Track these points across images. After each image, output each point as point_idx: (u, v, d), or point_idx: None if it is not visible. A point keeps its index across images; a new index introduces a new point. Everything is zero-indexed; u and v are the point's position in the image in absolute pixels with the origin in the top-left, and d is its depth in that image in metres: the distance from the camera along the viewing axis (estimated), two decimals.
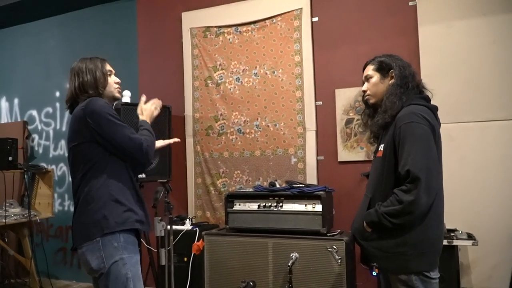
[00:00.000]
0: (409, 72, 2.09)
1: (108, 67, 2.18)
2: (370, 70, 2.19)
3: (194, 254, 3.44)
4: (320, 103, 3.77)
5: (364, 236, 2.03)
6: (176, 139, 2.57)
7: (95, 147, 1.97)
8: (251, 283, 3.01)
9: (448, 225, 3.10)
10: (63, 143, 4.97)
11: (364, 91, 2.21)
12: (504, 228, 3.11)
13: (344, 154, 3.67)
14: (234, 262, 3.21)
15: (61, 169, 4.96)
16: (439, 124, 2.07)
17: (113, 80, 2.18)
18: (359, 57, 3.65)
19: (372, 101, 2.18)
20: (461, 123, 3.28)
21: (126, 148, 1.98)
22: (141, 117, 2.23)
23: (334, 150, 3.70)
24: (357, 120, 3.62)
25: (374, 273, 2.01)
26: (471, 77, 3.28)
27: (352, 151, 3.64)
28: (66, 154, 2.14)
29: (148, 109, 2.27)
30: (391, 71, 2.11)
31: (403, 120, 1.94)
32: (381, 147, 2.08)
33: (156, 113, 2.31)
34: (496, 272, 3.12)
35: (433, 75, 3.34)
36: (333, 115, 3.71)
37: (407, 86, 2.05)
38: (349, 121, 3.65)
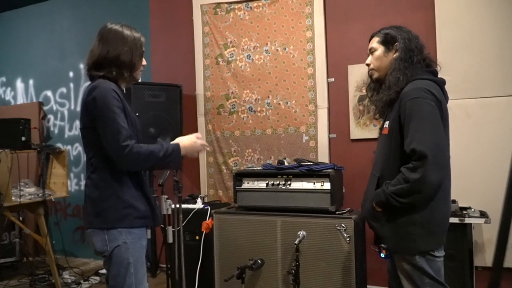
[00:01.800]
0: (415, 45, 1.99)
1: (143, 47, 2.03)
2: (374, 42, 2.10)
3: (205, 232, 3.44)
4: (332, 79, 3.68)
5: (374, 216, 1.98)
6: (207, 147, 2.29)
7: (98, 134, 1.86)
8: (259, 261, 2.99)
9: (462, 203, 3.00)
10: (77, 123, 5.03)
11: (368, 65, 2.13)
12: None
13: (356, 131, 3.58)
14: (242, 240, 3.20)
15: (76, 149, 5.03)
16: (447, 99, 1.99)
17: (142, 62, 2.02)
18: (373, 31, 3.52)
19: (375, 75, 2.10)
20: (480, 99, 3.14)
21: (108, 146, 1.83)
22: (179, 142, 1.97)
23: (347, 128, 3.62)
24: None
25: (382, 255, 1.95)
26: (491, 51, 3.12)
27: (365, 129, 3.55)
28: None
29: (194, 144, 1.99)
30: (396, 44, 2.02)
31: (408, 96, 1.86)
32: (387, 124, 2.01)
33: (196, 155, 2.06)
34: (509, 252, 3.01)
35: (451, 49, 3.21)
36: (346, 92, 3.61)
37: (412, 60, 1.96)
38: (362, 98, 3.55)
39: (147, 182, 2.06)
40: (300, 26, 3.74)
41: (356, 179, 3.49)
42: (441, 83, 1.97)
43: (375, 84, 2.14)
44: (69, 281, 4.00)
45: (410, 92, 1.87)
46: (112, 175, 1.88)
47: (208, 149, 2.07)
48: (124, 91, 2.05)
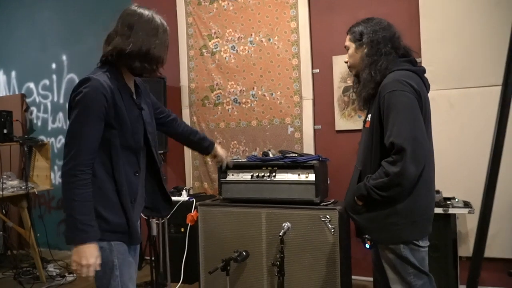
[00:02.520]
0: (382, 36, 1.95)
1: None
2: (347, 40, 2.12)
3: (190, 224, 3.43)
4: (317, 70, 3.66)
5: (356, 210, 1.99)
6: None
7: None
8: (244, 253, 2.99)
9: (446, 194, 3.02)
10: (61, 115, 4.96)
11: (346, 62, 2.15)
12: (504, 196, 3.02)
13: (341, 122, 3.58)
14: (227, 232, 3.19)
15: (60, 142, 4.97)
16: (428, 88, 1.98)
17: None
18: None
19: (353, 72, 2.12)
20: (462, 89, 3.16)
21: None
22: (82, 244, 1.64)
23: (332, 119, 3.62)
24: None
25: (367, 246, 1.97)
26: (474, 41, 3.13)
27: (350, 120, 3.55)
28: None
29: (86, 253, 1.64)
30: (363, 39, 2.01)
31: (386, 89, 1.86)
32: (369, 117, 2.00)
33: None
34: (495, 240, 3.06)
35: (434, 39, 3.22)
36: (331, 83, 3.61)
37: (380, 53, 1.94)
38: (346, 89, 3.55)
39: (137, 189, 1.80)
40: (285, 16, 3.71)
41: (341, 170, 3.50)
42: (420, 72, 1.96)
43: (356, 78, 2.13)
44: (54, 274, 3.97)
45: (388, 85, 1.86)
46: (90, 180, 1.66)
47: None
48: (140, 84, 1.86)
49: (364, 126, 2.10)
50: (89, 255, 1.62)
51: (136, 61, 1.68)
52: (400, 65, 1.93)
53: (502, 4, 3.05)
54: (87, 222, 1.61)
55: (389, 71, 1.91)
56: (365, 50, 1.98)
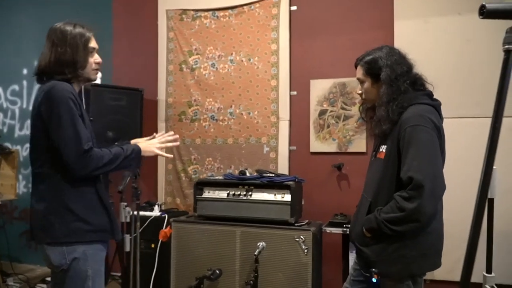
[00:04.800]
0: (401, 71, 1.91)
1: (93, 43, 1.93)
2: (360, 73, 2.04)
3: (161, 241, 3.39)
4: (295, 93, 3.75)
5: (364, 242, 1.94)
6: (169, 155, 2.26)
7: (50, 140, 1.77)
8: (217, 271, 2.99)
9: None
10: (29, 122, 4.79)
11: (360, 94, 2.09)
12: (467, 223, 3.15)
13: (316, 144, 3.66)
14: (201, 249, 3.17)
15: (26, 150, 4.78)
16: (442, 120, 1.96)
17: (93, 59, 1.93)
18: (336, 48, 3.64)
19: (369, 105, 2.09)
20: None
21: (66, 150, 1.74)
22: (135, 143, 1.99)
23: (307, 140, 3.69)
24: (331, 111, 3.62)
25: (374, 280, 1.88)
26: (445, 74, 3.29)
27: (325, 142, 3.64)
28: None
29: (150, 144, 2.01)
30: (381, 74, 1.93)
31: (408, 123, 1.81)
32: (383, 148, 1.96)
33: (154, 153, 2.01)
34: (458, 265, 3.17)
35: None
36: (307, 106, 3.69)
37: (399, 91, 1.89)
38: (322, 112, 3.64)
39: (105, 189, 1.96)
40: (266, 38, 3.79)
41: (314, 191, 3.57)
42: (438, 106, 1.94)
43: (370, 109, 2.10)
44: None
45: (410, 119, 1.82)
46: (63, 184, 1.78)
47: (165, 145, 2.06)
48: (82, 93, 2.00)
49: (375, 156, 2.06)
50: (149, 149, 1.98)
51: (58, 69, 1.84)
52: (419, 99, 1.90)
53: (472, 42, 3.23)
54: (125, 152, 1.87)
55: (406, 107, 1.87)
56: (384, 88, 1.91)
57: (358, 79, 2.07)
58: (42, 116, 1.77)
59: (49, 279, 4.03)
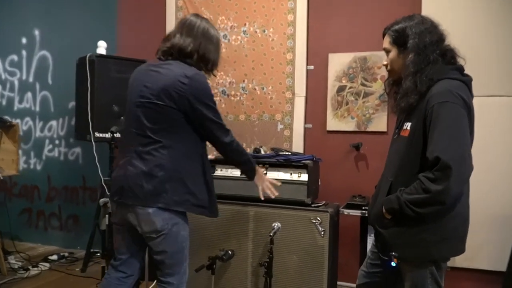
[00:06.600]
0: (430, 40, 1.77)
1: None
2: (386, 42, 1.91)
3: None
4: (312, 67, 3.55)
5: (383, 224, 1.83)
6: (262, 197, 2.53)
7: (180, 116, 1.95)
8: (230, 252, 2.85)
9: None
10: (29, 95, 4.58)
11: (385, 65, 1.96)
12: (489, 209, 3.02)
13: (333, 123, 3.49)
14: (213, 229, 3.03)
15: (26, 124, 4.60)
16: (472, 97, 1.82)
17: None
18: (356, 21, 3.44)
19: (394, 77, 1.95)
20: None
21: (213, 130, 2.05)
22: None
23: (323, 118, 3.52)
24: (350, 88, 3.43)
25: (393, 264, 1.79)
26: (471, 53, 3.09)
27: (342, 121, 3.46)
28: (133, 108, 2.05)
29: (264, 179, 2.47)
30: (408, 43, 1.80)
31: (437, 99, 1.68)
32: (407, 125, 1.83)
33: (261, 184, 2.44)
34: (479, 253, 3.06)
35: None
36: (325, 81, 3.50)
37: (428, 61, 1.76)
38: (341, 89, 3.45)
39: (210, 170, 2.13)
40: (282, 8, 3.57)
41: (330, 172, 3.41)
42: (469, 82, 1.80)
43: (395, 83, 1.97)
44: (16, 266, 3.66)
45: (438, 95, 1.70)
46: (180, 158, 1.96)
47: (266, 189, 2.45)
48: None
49: (398, 134, 1.93)
50: (261, 179, 2.45)
51: (198, 61, 2.07)
52: (449, 74, 1.77)
53: (500, 20, 3.04)
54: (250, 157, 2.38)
55: (435, 81, 1.75)
56: (410, 56, 1.79)
57: (384, 49, 1.95)
58: (181, 95, 1.92)
59: (52, 257, 3.91)
